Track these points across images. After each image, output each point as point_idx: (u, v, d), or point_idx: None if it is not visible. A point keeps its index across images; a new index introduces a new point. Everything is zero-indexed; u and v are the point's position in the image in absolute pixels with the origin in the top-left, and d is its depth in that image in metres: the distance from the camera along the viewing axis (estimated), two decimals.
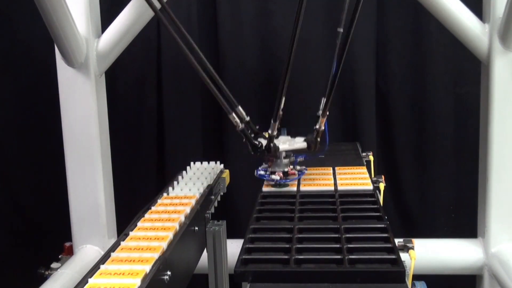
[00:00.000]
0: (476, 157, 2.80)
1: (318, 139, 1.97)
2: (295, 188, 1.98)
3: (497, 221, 2.64)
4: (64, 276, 2.50)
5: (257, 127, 2.02)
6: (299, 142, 1.99)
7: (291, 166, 2.01)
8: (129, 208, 2.86)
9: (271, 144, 1.90)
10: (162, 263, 1.24)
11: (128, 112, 3.50)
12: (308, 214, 1.73)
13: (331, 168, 2.22)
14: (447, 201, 3.46)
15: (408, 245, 1.76)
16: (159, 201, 1.70)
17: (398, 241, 1.70)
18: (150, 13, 2.66)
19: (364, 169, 2.21)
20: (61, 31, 2.42)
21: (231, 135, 3.48)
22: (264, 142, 1.92)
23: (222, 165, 2.12)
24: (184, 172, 2.00)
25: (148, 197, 1.81)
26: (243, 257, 1.40)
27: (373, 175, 2.35)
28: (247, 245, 1.47)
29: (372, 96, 3.41)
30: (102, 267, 1.23)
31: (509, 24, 2.36)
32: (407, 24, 3.34)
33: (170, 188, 1.80)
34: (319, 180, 2.05)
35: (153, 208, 1.63)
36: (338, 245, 1.45)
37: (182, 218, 1.53)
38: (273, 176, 1.96)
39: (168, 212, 1.57)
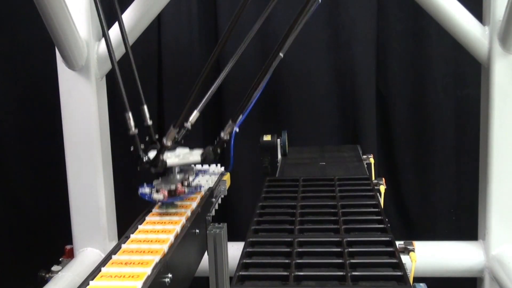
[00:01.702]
0: (476, 159, 2.80)
1: (218, 150, 1.71)
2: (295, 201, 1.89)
3: (498, 224, 2.64)
4: (64, 279, 2.50)
5: (157, 136, 1.77)
6: (195, 155, 1.71)
7: (186, 182, 1.68)
8: (129, 210, 2.86)
9: (160, 157, 1.60)
10: (163, 266, 1.24)
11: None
12: (309, 226, 1.66)
13: (332, 178, 2.13)
14: (447, 203, 3.46)
15: (408, 247, 1.74)
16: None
17: (399, 243, 1.69)
18: (151, 16, 2.67)
19: (366, 177, 2.15)
20: (61, 34, 2.42)
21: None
22: (152, 154, 1.66)
23: (222, 168, 2.11)
24: None
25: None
26: (240, 273, 1.35)
27: (373, 178, 2.35)
28: (244, 260, 1.42)
29: (372, 98, 3.41)
30: (103, 269, 1.23)
31: (509, 27, 2.36)
32: (407, 27, 3.35)
33: None
34: (320, 192, 1.97)
35: (154, 210, 1.63)
36: (340, 260, 1.38)
37: (183, 221, 1.52)
38: (156, 196, 1.62)
39: (169, 214, 1.57)
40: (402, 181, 3.49)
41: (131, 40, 2.68)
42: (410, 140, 3.46)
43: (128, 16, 2.62)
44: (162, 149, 1.61)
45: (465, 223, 3.22)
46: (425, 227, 3.48)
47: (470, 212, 3.01)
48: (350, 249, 1.44)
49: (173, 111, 3.50)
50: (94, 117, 2.68)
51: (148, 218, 1.57)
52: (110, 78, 2.87)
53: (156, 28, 3.38)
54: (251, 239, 1.55)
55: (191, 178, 1.71)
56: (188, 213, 1.59)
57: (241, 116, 1.70)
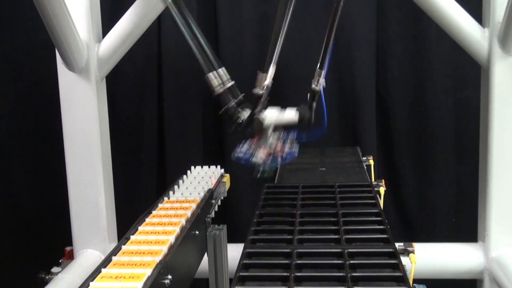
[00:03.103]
0: (476, 161, 2.80)
1: (313, 107, 1.63)
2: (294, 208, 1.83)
3: (498, 225, 2.64)
4: (64, 280, 2.50)
5: (242, 95, 1.71)
6: (290, 114, 1.62)
7: (279, 144, 1.63)
8: (129, 212, 2.86)
9: (254, 115, 1.54)
10: (163, 267, 1.24)
11: (128, 116, 3.51)
12: (308, 236, 1.60)
13: (333, 185, 2.06)
14: (447, 205, 3.46)
15: (408, 249, 1.74)
16: (160, 205, 1.70)
17: (398, 245, 1.68)
18: (151, 18, 2.67)
19: (367, 184, 2.10)
20: (62, 36, 2.43)
21: (231, 139, 3.49)
22: (246, 114, 1.61)
23: (222, 170, 2.12)
24: (184, 176, 2.00)
25: (149, 202, 1.81)
26: (236, 287, 1.31)
27: (373, 179, 2.34)
28: (240, 273, 1.36)
29: (372, 100, 3.41)
30: (103, 270, 1.23)
31: (509, 29, 2.37)
32: (407, 29, 3.36)
33: (171, 192, 1.80)
34: (320, 200, 1.91)
35: (154, 212, 1.63)
36: (342, 274, 1.32)
37: (183, 222, 1.53)
38: (255, 159, 1.57)
39: (169, 216, 1.58)
40: (402, 182, 3.49)
41: (132, 40, 2.69)
42: (410, 142, 3.47)
43: (128, 18, 2.62)
44: (257, 105, 1.50)
45: (465, 225, 3.22)
46: (424, 228, 3.48)
47: (469, 214, 3.01)
48: (351, 261, 1.39)
49: (173, 114, 3.50)
50: (94, 119, 2.69)
51: (148, 220, 1.57)
52: (110, 79, 2.88)
53: (156, 28, 3.38)
54: (248, 250, 1.50)
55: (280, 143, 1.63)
56: (188, 214, 1.59)
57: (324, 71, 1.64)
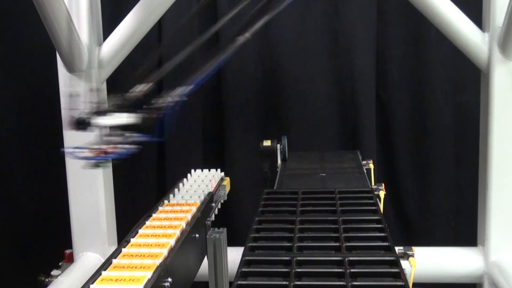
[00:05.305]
0: (476, 165, 2.80)
1: (155, 115, 1.65)
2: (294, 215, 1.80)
3: (497, 230, 2.64)
4: (64, 283, 2.50)
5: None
6: (131, 117, 1.64)
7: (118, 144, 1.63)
8: (129, 215, 2.86)
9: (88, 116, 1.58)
10: (163, 270, 1.24)
11: None
12: (308, 243, 1.57)
13: (333, 191, 2.02)
14: (447, 209, 3.46)
15: (408, 252, 1.73)
16: (160, 208, 1.70)
17: (398, 248, 1.67)
18: (152, 21, 2.68)
19: (368, 190, 2.06)
20: (63, 39, 2.43)
21: (232, 142, 3.49)
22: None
23: (222, 173, 2.12)
24: (185, 179, 2.00)
25: (149, 205, 1.81)
26: None
27: (373, 183, 2.34)
28: (238, 282, 1.34)
29: (372, 104, 3.42)
30: (103, 273, 1.23)
31: (509, 33, 2.37)
32: (407, 33, 3.36)
33: (171, 195, 1.80)
34: (320, 206, 1.88)
35: (154, 215, 1.64)
36: (342, 283, 1.30)
37: (183, 225, 1.53)
38: (79, 154, 1.59)
39: (169, 219, 1.58)
40: (401, 186, 3.49)
41: (133, 44, 2.69)
42: (409, 146, 3.47)
43: (129, 21, 2.63)
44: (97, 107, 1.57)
45: (465, 229, 3.22)
46: (424, 232, 3.48)
47: (469, 218, 3.01)
48: (352, 270, 1.36)
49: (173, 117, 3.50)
50: None
51: (148, 223, 1.57)
52: (111, 82, 2.88)
53: (157, 31, 3.39)
54: (247, 258, 1.47)
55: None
56: (188, 217, 1.59)
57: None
